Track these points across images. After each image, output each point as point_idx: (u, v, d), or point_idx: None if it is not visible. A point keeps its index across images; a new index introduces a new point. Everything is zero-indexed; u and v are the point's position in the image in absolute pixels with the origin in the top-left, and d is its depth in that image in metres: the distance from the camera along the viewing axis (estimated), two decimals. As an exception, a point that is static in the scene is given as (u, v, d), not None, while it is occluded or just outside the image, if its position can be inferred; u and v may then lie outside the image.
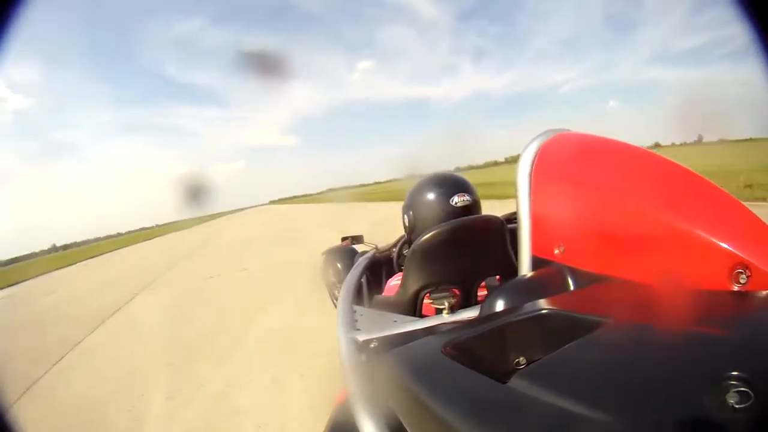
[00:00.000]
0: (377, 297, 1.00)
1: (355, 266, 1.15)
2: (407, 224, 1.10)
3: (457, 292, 0.81)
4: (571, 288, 0.62)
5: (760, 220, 0.49)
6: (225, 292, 6.27)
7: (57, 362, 4.47)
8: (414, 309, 0.83)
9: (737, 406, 0.27)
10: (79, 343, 5.10)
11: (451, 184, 1.04)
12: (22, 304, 10.85)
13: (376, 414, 0.45)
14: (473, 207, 1.03)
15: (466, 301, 0.82)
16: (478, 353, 0.45)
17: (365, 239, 1.64)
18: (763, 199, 6.45)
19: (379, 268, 1.32)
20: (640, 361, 0.35)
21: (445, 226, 0.83)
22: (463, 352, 0.44)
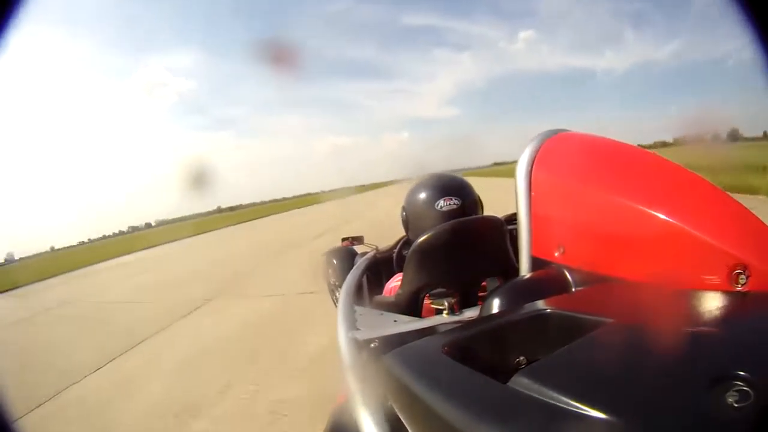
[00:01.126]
0: (377, 297, 1.00)
1: (355, 267, 1.15)
2: (402, 222, 1.11)
3: (457, 293, 0.81)
4: (572, 289, 0.62)
5: (760, 220, 0.49)
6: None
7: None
8: (414, 310, 0.84)
9: (737, 405, 0.27)
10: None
11: (440, 187, 1.03)
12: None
13: (376, 413, 0.45)
14: (461, 211, 1.00)
15: (466, 303, 0.82)
16: (479, 353, 0.45)
17: (366, 240, 1.64)
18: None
19: (379, 269, 1.32)
20: (641, 360, 0.35)
21: (444, 227, 0.83)
22: (463, 352, 0.44)
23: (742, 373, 0.28)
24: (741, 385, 0.28)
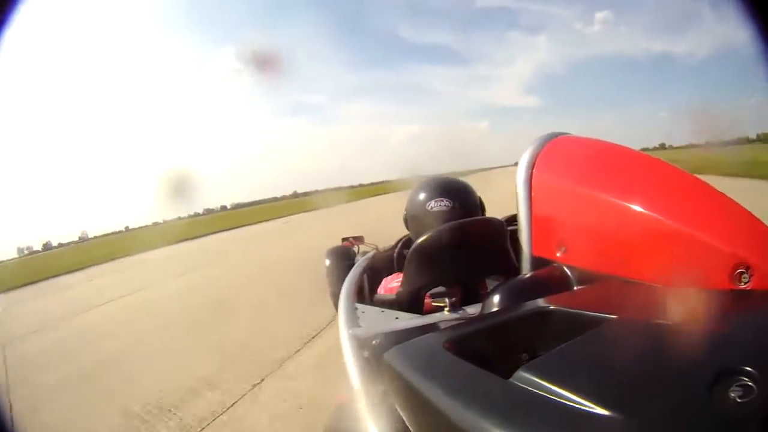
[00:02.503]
0: (378, 296, 1.00)
1: (356, 266, 1.15)
2: (404, 222, 1.12)
3: (457, 291, 0.81)
4: (573, 287, 0.62)
5: (760, 220, 0.50)
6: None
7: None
8: (415, 308, 0.84)
9: (740, 400, 0.27)
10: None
11: (434, 188, 1.03)
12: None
13: (378, 410, 0.45)
14: (452, 212, 0.99)
15: (467, 301, 0.82)
16: (480, 349, 0.45)
17: (367, 239, 1.64)
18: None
19: (379, 269, 1.32)
20: (642, 357, 0.35)
21: (444, 228, 0.83)
22: (465, 348, 0.44)
23: (745, 368, 0.28)
24: (744, 381, 0.28)
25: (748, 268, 0.45)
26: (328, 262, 1.46)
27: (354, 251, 1.53)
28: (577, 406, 0.30)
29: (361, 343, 0.61)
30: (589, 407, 0.29)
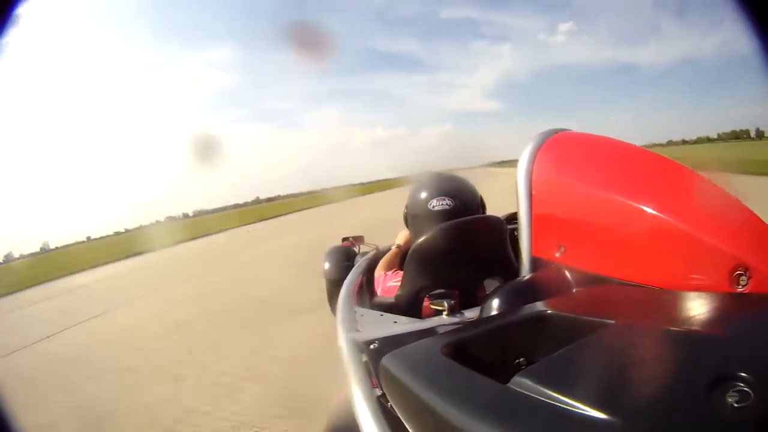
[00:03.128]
0: (377, 298, 1.00)
1: (355, 266, 1.15)
2: (404, 221, 1.11)
3: (457, 293, 0.81)
4: (572, 289, 0.62)
5: (761, 221, 0.49)
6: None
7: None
8: (413, 311, 0.83)
9: (737, 406, 0.27)
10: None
11: (437, 186, 1.02)
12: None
13: (377, 414, 0.45)
14: (454, 211, 0.99)
15: (466, 303, 0.82)
16: (478, 354, 0.45)
17: (367, 239, 1.64)
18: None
19: None
20: (641, 362, 0.35)
21: (443, 228, 0.82)
22: (463, 353, 0.44)
23: (742, 374, 0.28)
24: (741, 386, 0.28)
25: (746, 269, 0.45)
26: (327, 262, 1.45)
27: (354, 251, 1.53)
28: (574, 411, 0.30)
29: (359, 347, 0.61)
30: (587, 412, 0.29)
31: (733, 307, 0.43)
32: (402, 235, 1.21)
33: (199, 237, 18.16)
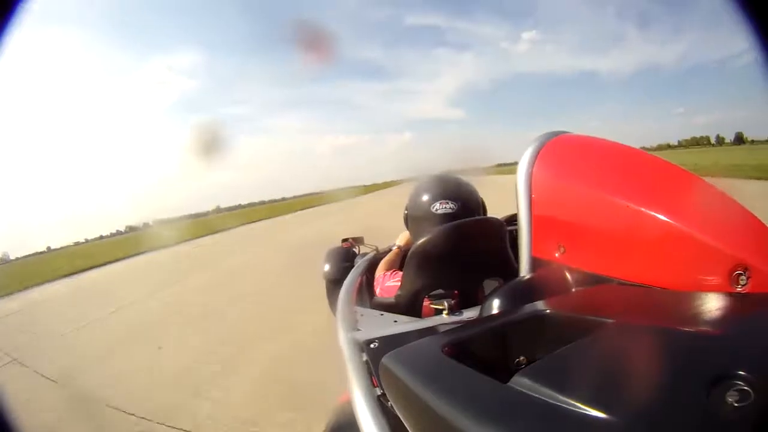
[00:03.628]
0: (377, 298, 1.00)
1: (355, 267, 1.15)
2: (405, 223, 1.11)
3: (457, 293, 0.81)
4: (572, 289, 0.62)
5: (760, 221, 0.49)
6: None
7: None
8: (413, 310, 0.83)
9: (737, 405, 0.27)
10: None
11: (439, 189, 1.02)
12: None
13: (377, 413, 0.45)
14: (458, 214, 0.99)
15: (466, 303, 0.82)
16: (479, 353, 0.45)
17: (366, 240, 1.63)
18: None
19: None
20: (640, 361, 0.35)
21: (443, 229, 0.82)
22: (463, 352, 0.44)
23: (742, 373, 0.28)
24: (741, 385, 0.28)
25: (746, 269, 0.45)
26: (327, 263, 1.45)
27: (354, 251, 1.53)
28: (575, 410, 0.30)
29: (359, 346, 0.61)
30: (587, 411, 0.29)
31: (733, 307, 0.43)
32: (402, 236, 1.21)
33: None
